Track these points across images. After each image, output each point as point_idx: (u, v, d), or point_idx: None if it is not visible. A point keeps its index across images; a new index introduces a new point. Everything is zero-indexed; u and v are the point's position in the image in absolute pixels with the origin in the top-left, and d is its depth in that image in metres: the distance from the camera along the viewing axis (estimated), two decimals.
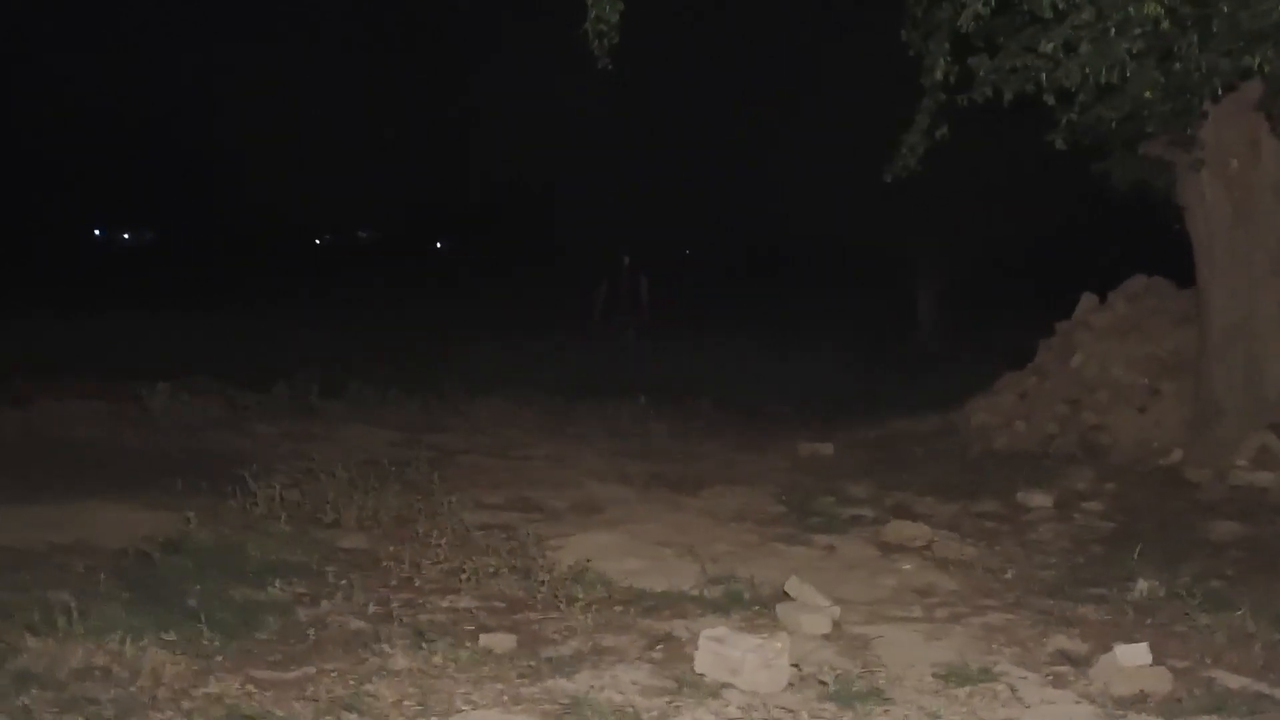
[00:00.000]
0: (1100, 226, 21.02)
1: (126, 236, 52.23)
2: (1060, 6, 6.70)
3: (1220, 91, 7.44)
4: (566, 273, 30.47)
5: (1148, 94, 7.05)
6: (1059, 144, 7.85)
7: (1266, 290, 8.44)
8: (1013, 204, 19.44)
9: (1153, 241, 17.01)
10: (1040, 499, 7.96)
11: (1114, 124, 7.56)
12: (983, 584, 6.17)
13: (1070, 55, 6.77)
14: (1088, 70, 6.73)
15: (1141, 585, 5.85)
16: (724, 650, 4.61)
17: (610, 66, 7.75)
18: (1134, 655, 4.62)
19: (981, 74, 7.70)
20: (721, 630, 4.76)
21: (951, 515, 7.76)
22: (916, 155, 8.79)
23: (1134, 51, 6.66)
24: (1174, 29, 6.66)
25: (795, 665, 4.63)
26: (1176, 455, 8.81)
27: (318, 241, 51.05)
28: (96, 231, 50.08)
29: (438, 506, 7.45)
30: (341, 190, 38.11)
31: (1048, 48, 6.80)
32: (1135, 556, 6.13)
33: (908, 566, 6.46)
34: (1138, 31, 6.57)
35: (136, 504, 7.34)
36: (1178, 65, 7.25)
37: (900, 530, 7.14)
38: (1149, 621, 5.43)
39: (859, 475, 9.07)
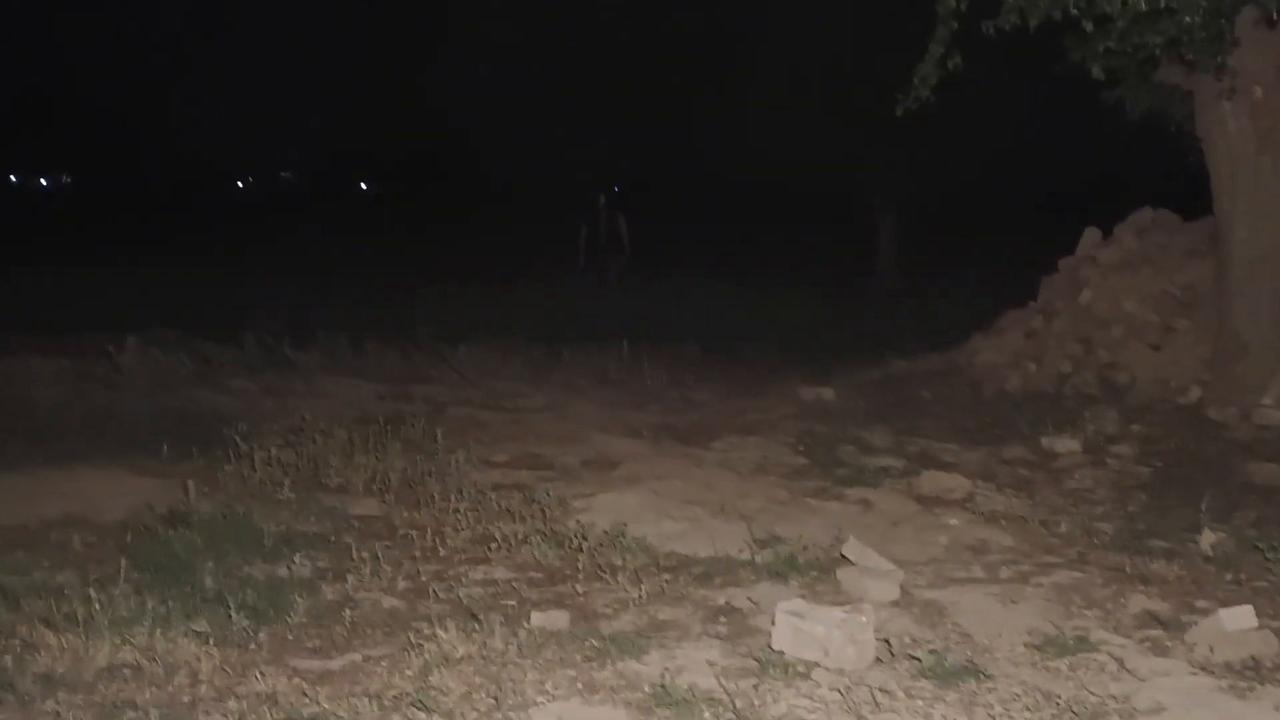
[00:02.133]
0: (1065, 160, 20.97)
1: (44, 182, 50.95)
2: None
3: (1277, 16, 7.17)
4: (515, 214, 30.15)
5: (1189, 19, 6.74)
6: (1095, 72, 7.56)
7: None
8: (983, 137, 19.26)
9: (1129, 172, 17.06)
10: (1068, 444, 7.73)
11: (1157, 50, 7.27)
12: (1039, 539, 5.92)
13: None
14: None
15: (1208, 537, 5.63)
16: (805, 626, 4.31)
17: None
18: (1239, 619, 4.38)
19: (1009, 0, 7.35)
20: (799, 603, 4.46)
21: (980, 463, 7.52)
22: (929, 86, 8.44)
23: None
24: None
25: (886, 641, 4.34)
26: (1195, 394, 8.63)
27: (240, 185, 50.17)
28: (12, 177, 48.84)
29: (445, 466, 7.15)
30: (262, 132, 37.35)
31: None
32: (1203, 508, 5.88)
33: (954, 521, 6.20)
34: None
35: (124, 471, 6.97)
36: None
37: (936, 481, 6.89)
38: (1229, 578, 5.20)
39: (871, 421, 8.80)
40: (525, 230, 26.04)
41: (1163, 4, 6.57)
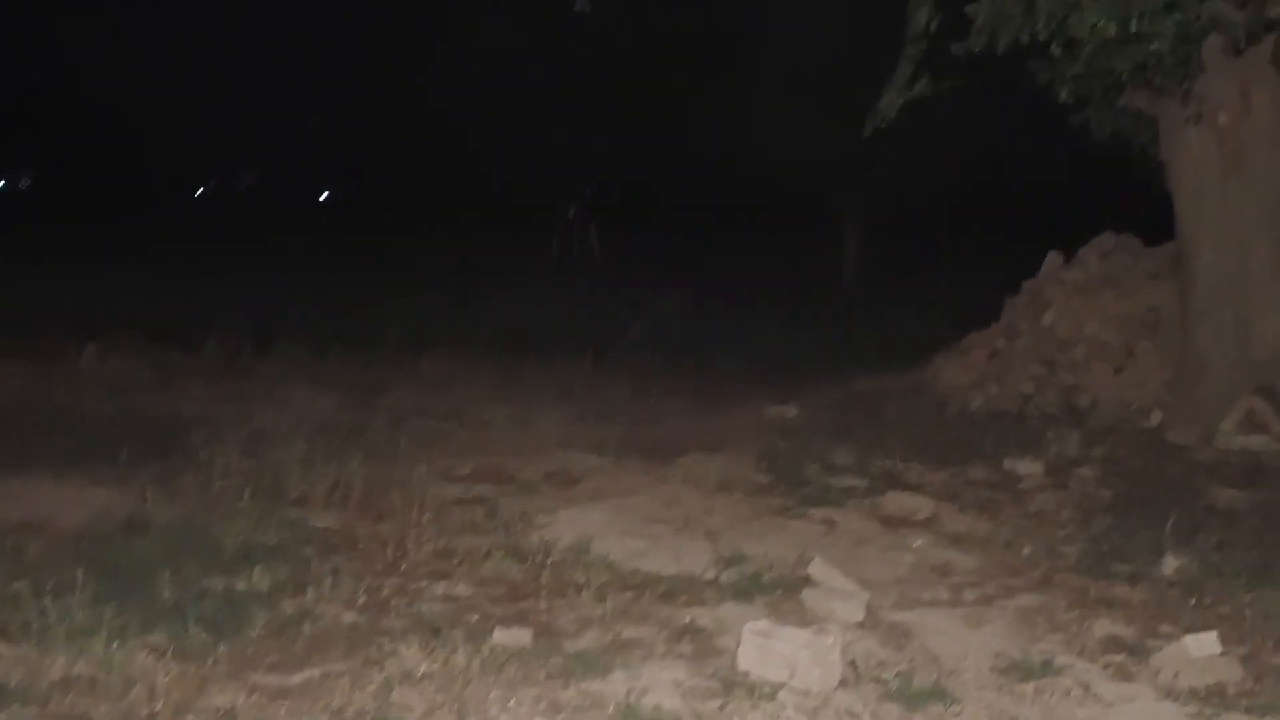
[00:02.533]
0: (1031, 179, 21.15)
1: (1, 182, 50.40)
2: None
3: (1244, 44, 7.25)
4: (482, 221, 30.04)
5: (1156, 46, 6.79)
6: (1063, 96, 7.63)
7: (1257, 246, 8.29)
8: (949, 154, 19.36)
9: (1094, 196, 17.19)
10: (1031, 465, 7.75)
11: (1124, 75, 7.32)
12: (1003, 561, 5.93)
13: (1097, 1, 6.48)
14: (1106, 19, 6.43)
15: (1171, 561, 5.65)
16: (771, 646, 4.30)
17: (588, 8, 7.32)
18: (1204, 644, 4.40)
19: (980, 21, 7.38)
20: (765, 624, 4.44)
21: (944, 483, 7.51)
22: (897, 107, 8.49)
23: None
24: None
25: (852, 662, 4.32)
26: (1157, 416, 8.68)
27: (200, 190, 49.84)
28: None
29: (407, 478, 7.05)
30: (223, 137, 37.06)
31: None
32: (1166, 532, 5.89)
33: (919, 543, 6.20)
34: None
35: (83, 478, 6.88)
36: (1178, 15, 7.00)
37: (900, 502, 6.89)
38: (1192, 602, 5.22)
39: (836, 439, 8.76)
40: (492, 238, 25.96)
41: (1131, 30, 6.60)
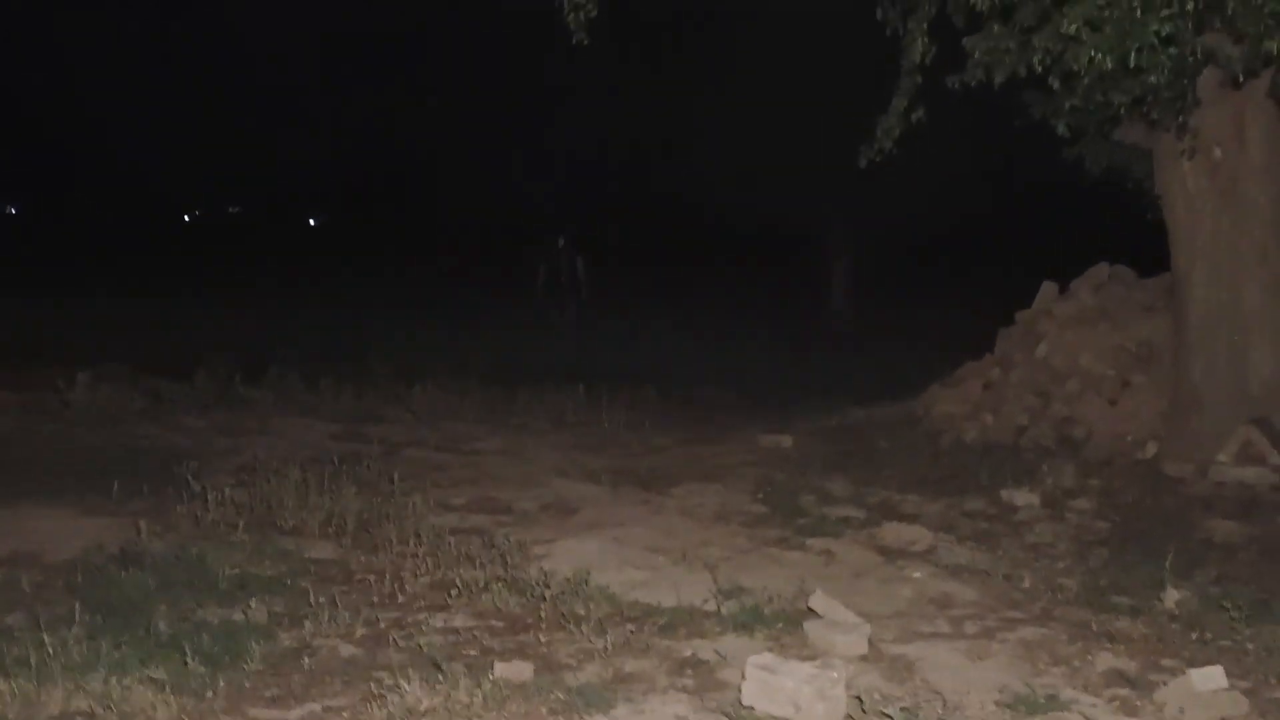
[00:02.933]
0: (1017, 210, 21.25)
1: None
2: None
3: (1242, 78, 7.29)
4: (472, 252, 30.06)
5: (1154, 79, 6.82)
6: (1060, 130, 7.66)
7: (1251, 279, 8.30)
8: (935, 185, 19.42)
9: (1086, 227, 17.26)
10: (1027, 497, 7.73)
11: (1122, 109, 7.35)
12: (1003, 593, 5.90)
13: (1096, 35, 6.50)
14: (1103, 53, 6.46)
15: (1172, 594, 5.64)
16: (775, 680, 4.26)
17: (586, 42, 7.34)
18: (1209, 679, 4.37)
19: (976, 55, 7.41)
20: (769, 657, 4.41)
21: (940, 514, 7.50)
22: (892, 138, 8.51)
23: (1162, 34, 6.44)
24: (1202, 11, 6.44)
25: (858, 697, 4.30)
26: (1152, 449, 8.65)
27: (186, 218, 49.81)
28: None
29: (402, 509, 7.06)
30: (208, 164, 37.11)
31: (1070, 28, 6.52)
32: (1166, 566, 5.88)
33: (918, 574, 6.17)
34: (1165, 13, 6.34)
35: (75, 509, 6.87)
36: (1173, 49, 7.02)
37: (898, 533, 6.87)
38: (1194, 636, 5.20)
39: (830, 470, 8.79)
40: (482, 269, 25.96)
41: (1130, 64, 6.63)
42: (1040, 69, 7.17)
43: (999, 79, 7.60)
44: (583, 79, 21.82)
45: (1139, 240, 10.22)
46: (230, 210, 51.73)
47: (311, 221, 49.76)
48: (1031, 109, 8.68)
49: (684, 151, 22.17)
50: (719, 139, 21.15)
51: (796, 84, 19.40)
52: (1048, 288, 10.54)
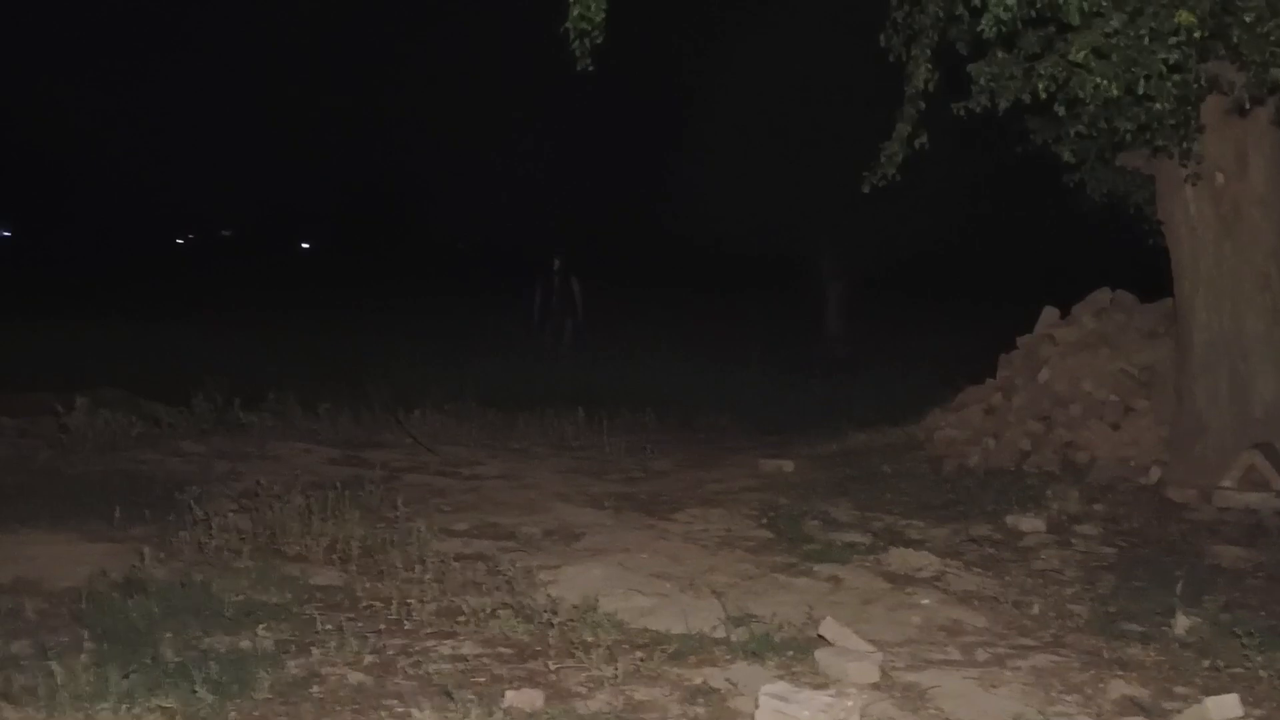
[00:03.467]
0: (1015, 235, 21.32)
1: None
2: (1088, 10, 6.45)
3: (1247, 105, 7.32)
4: (467, 275, 30.11)
5: (1159, 106, 6.85)
6: (1066, 156, 7.69)
7: (1253, 306, 8.34)
8: (931, 210, 19.50)
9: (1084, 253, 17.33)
10: (1032, 522, 7.74)
11: (1127, 135, 7.38)
12: (1012, 620, 5.90)
13: (1102, 62, 6.53)
14: (1109, 80, 6.49)
15: (1182, 621, 5.63)
16: (789, 709, 4.25)
17: (591, 68, 7.35)
18: (1225, 707, 4.37)
19: (981, 81, 7.44)
20: (782, 686, 4.39)
21: (947, 540, 7.49)
22: (895, 164, 8.55)
23: (1170, 62, 6.47)
24: (1207, 39, 6.48)
25: None
26: (1155, 474, 8.69)
27: (179, 241, 49.86)
28: None
29: (405, 535, 7.01)
30: (200, 187, 37.16)
31: (1077, 55, 6.54)
32: (1177, 592, 5.87)
33: (926, 601, 6.16)
34: (1172, 41, 6.37)
35: (77, 535, 6.84)
36: (1178, 76, 7.06)
37: (905, 559, 6.86)
38: (1206, 664, 5.18)
39: (834, 495, 8.79)
40: (478, 291, 25.97)
41: (1140, 90, 6.66)
42: (1045, 95, 7.20)
43: (1003, 105, 7.63)
44: (578, 104, 21.95)
45: (1140, 266, 10.28)
46: (222, 234, 51.82)
47: (305, 245, 49.86)
48: (1034, 135, 8.73)
49: (680, 175, 22.19)
50: (714, 164, 21.17)
51: (792, 109, 19.51)
52: (1049, 312, 10.57)
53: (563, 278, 17.42)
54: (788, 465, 9.89)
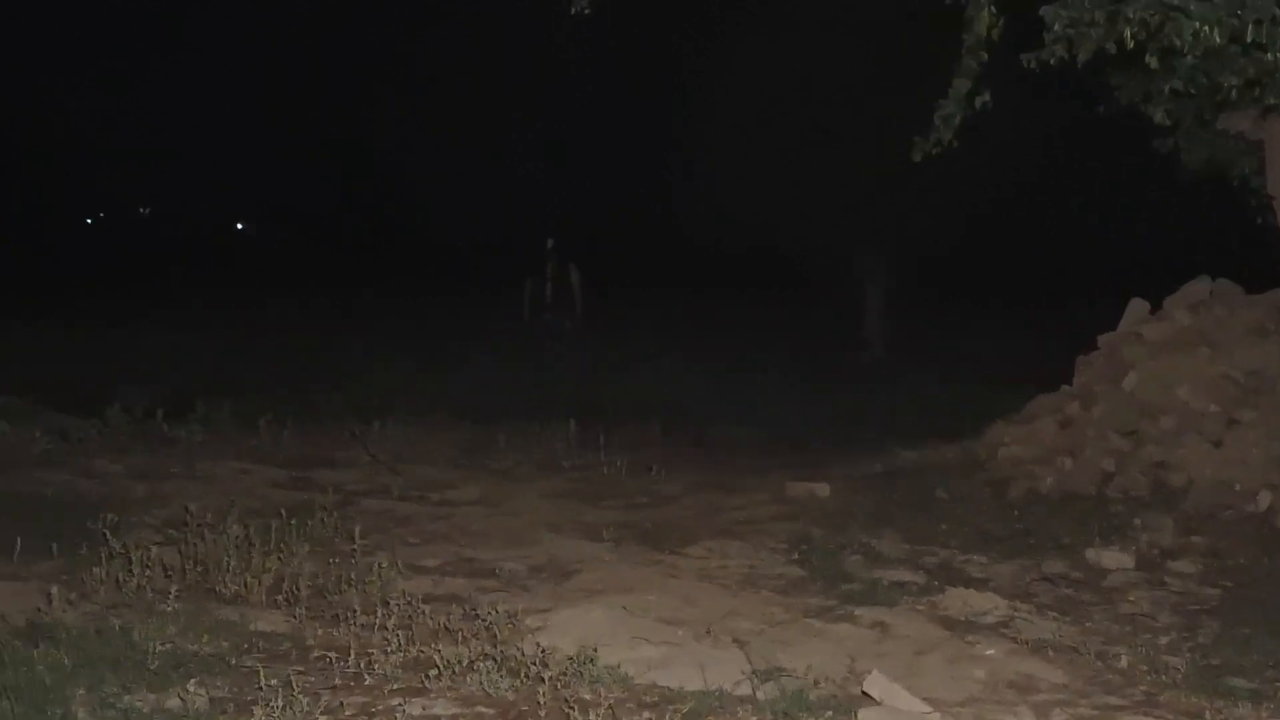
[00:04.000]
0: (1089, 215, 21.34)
1: None
2: None
3: None
4: (440, 264, 30.15)
5: (1271, 56, 6.81)
6: (1159, 117, 7.67)
7: None
8: (996, 184, 19.51)
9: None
10: (1117, 558, 7.75)
11: (1232, 92, 7.35)
12: (1095, 675, 5.87)
13: (1204, 4, 6.49)
14: (1212, 25, 6.45)
15: None
16: None
17: (587, 10, 7.35)
18: None
19: (1056, 28, 7.40)
20: None
21: (1014, 579, 7.50)
22: (952, 128, 8.52)
23: None
24: None
25: None
26: (1265, 500, 8.66)
27: (89, 221, 49.88)
28: None
29: (365, 572, 7.01)
30: (114, 157, 37.18)
31: None
32: None
33: (991, 652, 6.15)
34: None
35: None
36: None
37: (964, 601, 6.87)
38: None
39: (878, 524, 8.79)
40: (452, 283, 25.99)
41: (1248, 38, 6.62)
42: (1133, 44, 7.16)
43: (1083, 56, 7.59)
44: (580, 75, 22.00)
45: (1245, 249, 10.26)
46: (140, 211, 51.81)
47: (240, 226, 49.89)
48: (1119, 93, 8.70)
49: (695, 160, 22.24)
50: (733, 146, 21.23)
51: (821, 80, 19.51)
52: (1136, 306, 10.53)
53: (558, 265, 17.27)
54: (821, 489, 9.88)
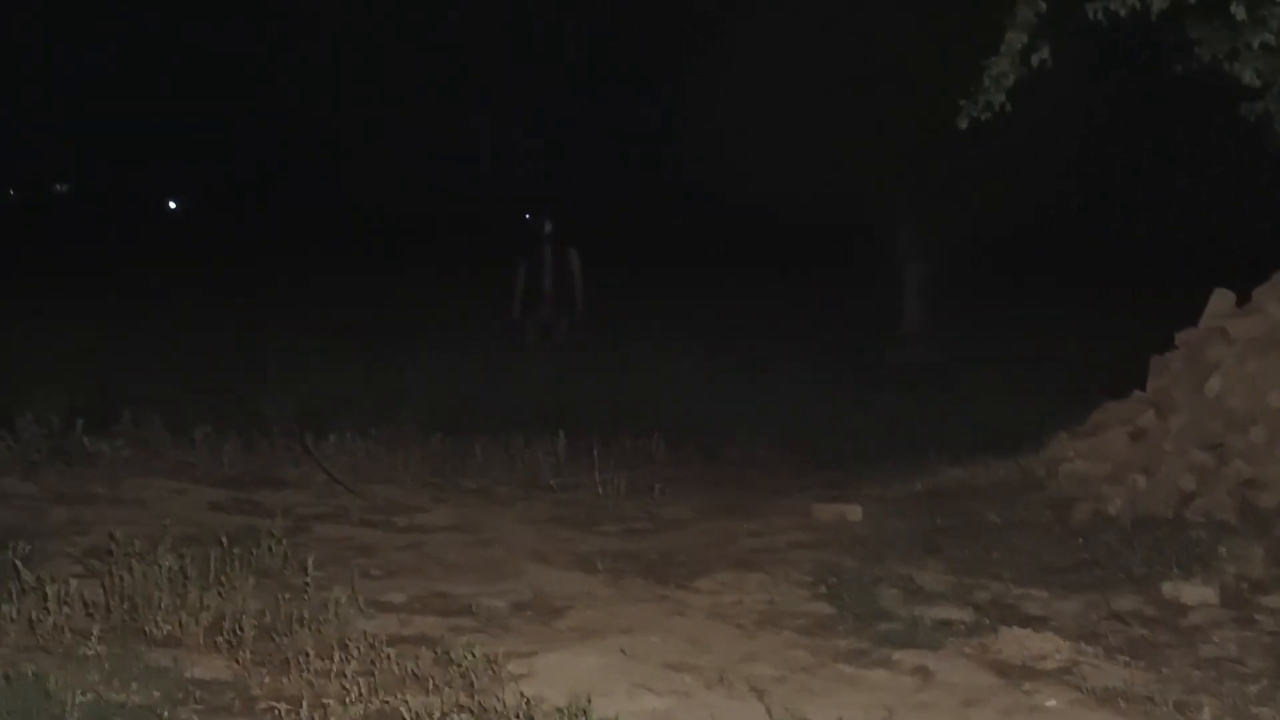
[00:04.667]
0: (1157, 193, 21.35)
1: None
2: None
3: None
4: (406, 244, 30.14)
5: None
6: (1248, 77, 7.68)
7: None
8: (1054, 157, 19.55)
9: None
10: (1200, 592, 7.76)
11: None
12: None
13: None
14: None
15: None
16: None
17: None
18: None
19: None
20: None
21: (1079, 617, 7.52)
22: (1005, 88, 8.55)
23: None
24: None
25: None
26: None
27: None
28: None
29: (319, 609, 7.01)
30: (22, 129, 37.25)
31: None
32: None
33: (1053, 703, 6.18)
34: None
35: None
36: None
37: (1021, 643, 6.88)
38: None
39: (919, 553, 8.84)
40: (421, 268, 25.98)
41: None
42: None
43: (1158, 5, 7.62)
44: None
45: None
46: (57, 189, 51.90)
47: (171, 205, 49.99)
48: (1200, 48, 8.71)
49: (709, 121, 22.19)
50: (753, 100, 21.22)
51: (857, 28, 19.54)
52: (1220, 298, 10.54)
53: (557, 250, 17.20)
54: (853, 512, 9.93)
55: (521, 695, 5.90)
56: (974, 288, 24.08)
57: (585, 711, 5.70)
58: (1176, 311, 10.85)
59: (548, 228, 17.29)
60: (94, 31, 32.28)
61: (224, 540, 7.79)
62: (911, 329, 24.81)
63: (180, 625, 6.74)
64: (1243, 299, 10.49)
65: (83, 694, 5.78)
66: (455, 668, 6.28)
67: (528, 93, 27.96)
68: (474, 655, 6.39)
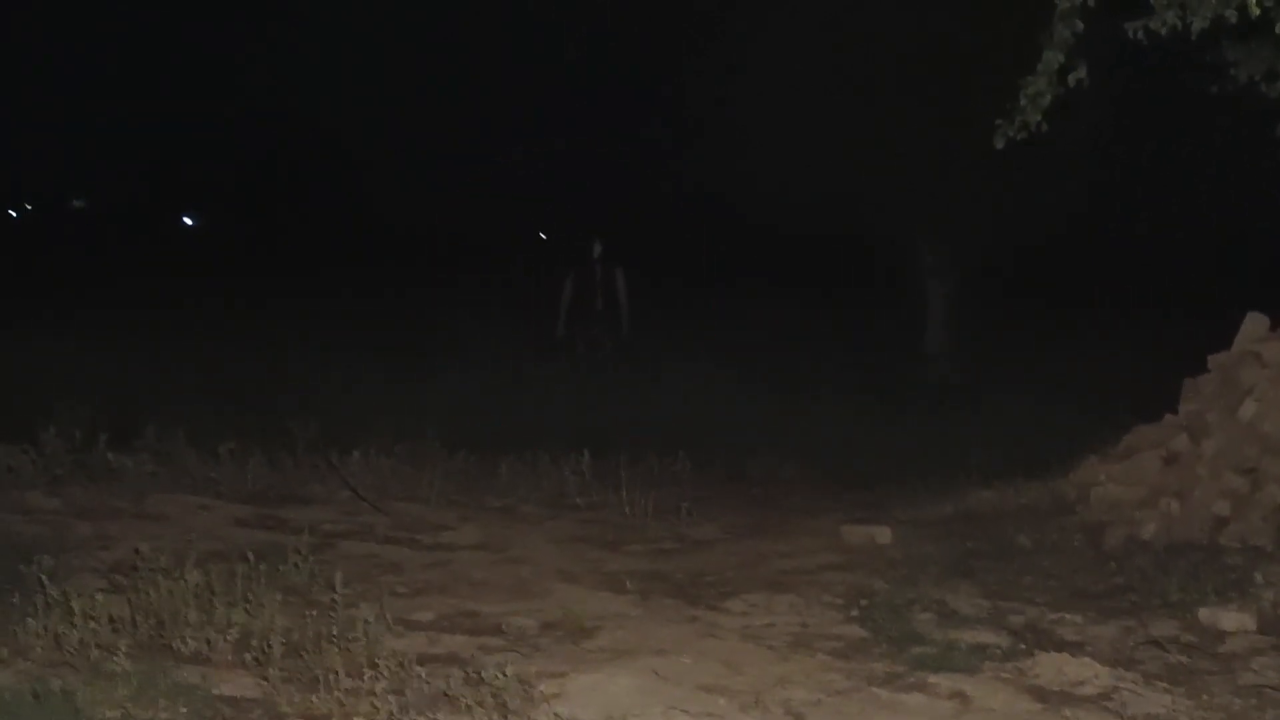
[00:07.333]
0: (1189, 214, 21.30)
1: None
2: None
3: None
4: (435, 260, 30.18)
5: None
6: None
7: None
8: (1084, 175, 19.49)
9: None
10: (1236, 618, 7.68)
11: None
12: None
13: None
14: None
15: None
16: None
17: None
18: None
19: None
20: None
21: (1115, 643, 7.44)
22: (1042, 108, 8.51)
23: None
24: None
25: None
26: None
27: (13, 214, 50.24)
28: None
29: (347, 627, 6.95)
30: (37, 144, 37.39)
31: None
32: None
33: None
34: None
35: None
36: None
37: (1058, 668, 6.82)
38: None
39: (951, 577, 8.78)
40: (450, 285, 26.00)
41: None
42: (1259, 10, 7.13)
43: (1197, 26, 7.57)
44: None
45: None
46: (74, 205, 52.12)
47: (187, 220, 50.20)
48: (1237, 70, 8.68)
49: (730, 135, 22.15)
50: (776, 114, 21.17)
51: (884, 41, 19.50)
52: (1254, 321, 10.48)
53: (605, 270, 17.11)
54: (883, 534, 9.90)
55: (556, 716, 5.88)
56: (998, 306, 24.02)
57: None
58: (1210, 334, 10.80)
59: (597, 249, 17.21)
60: (111, 48, 32.36)
61: (250, 556, 7.75)
62: (936, 348, 24.72)
63: (208, 642, 6.72)
64: (1276, 322, 10.43)
65: (110, 710, 5.77)
66: (487, 688, 6.23)
67: (527, 94, 27.95)
68: (505, 675, 6.34)
